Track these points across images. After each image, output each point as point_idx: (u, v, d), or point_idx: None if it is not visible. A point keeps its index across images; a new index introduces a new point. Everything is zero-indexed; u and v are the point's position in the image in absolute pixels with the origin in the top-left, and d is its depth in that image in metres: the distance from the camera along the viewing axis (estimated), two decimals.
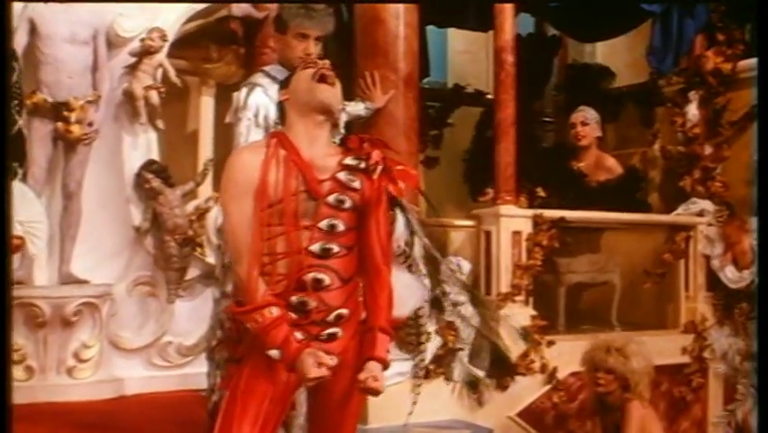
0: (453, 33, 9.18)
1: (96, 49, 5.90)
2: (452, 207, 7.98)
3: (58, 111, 5.73)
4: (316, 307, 3.20)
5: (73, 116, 5.72)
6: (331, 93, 3.26)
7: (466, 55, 9.36)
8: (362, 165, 3.28)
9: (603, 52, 9.29)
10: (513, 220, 6.40)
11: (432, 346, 5.81)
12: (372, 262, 3.28)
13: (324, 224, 3.20)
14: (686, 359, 7.17)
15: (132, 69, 6.03)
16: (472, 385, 5.83)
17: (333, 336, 3.24)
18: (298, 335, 3.16)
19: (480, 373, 5.98)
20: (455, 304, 5.86)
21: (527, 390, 6.27)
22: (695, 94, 7.59)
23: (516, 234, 6.40)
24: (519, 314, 6.23)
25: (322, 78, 3.23)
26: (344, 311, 3.24)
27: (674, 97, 7.74)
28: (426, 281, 3.68)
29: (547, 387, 6.36)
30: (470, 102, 8.70)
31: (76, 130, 5.74)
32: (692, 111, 7.58)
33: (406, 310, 3.51)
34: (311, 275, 3.19)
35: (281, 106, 3.37)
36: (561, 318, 6.75)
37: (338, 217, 3.22)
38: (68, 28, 5.79)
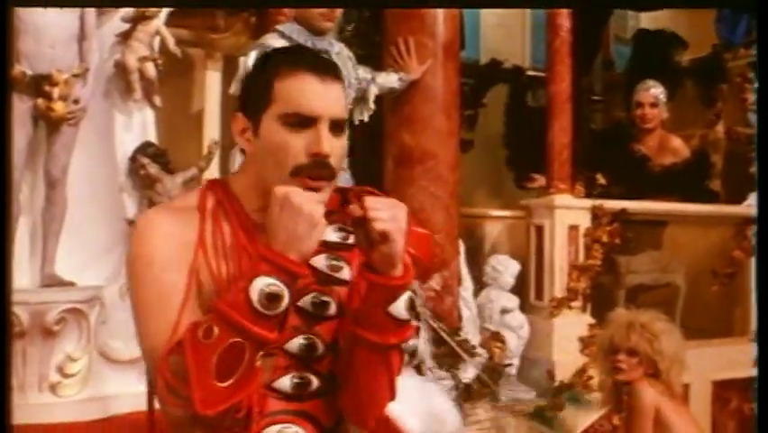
0: None
1: (82, 14, 5.49)
2: (486, 194, 7.78)
3: (38, 86, 5.27)
4: None
5: (56, 92, 5.26)
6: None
7: (500, 29, 8.87)
8: (350, 240, 2.15)
9: (647, 25, 8.89)
10: (569, 212, 6.00)
11: (475, 362, 5.36)
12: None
13: (294, 344, 2.10)
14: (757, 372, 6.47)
15: (124, 37, 5.64)
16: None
17: None
18: None
19: (531, 394, 5.72)
20: (503, 312, 5.72)
21: (584, 410, 5.76)
22: None
23: (573, 228, 5.99)
24: (576, 323, 5.84)
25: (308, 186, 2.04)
26: None
27: (743, 72, 7.28)
28: (441, 385, 2.55)
29: (607, 407, 5.56)
30: (508, 79, 8.24)
31: (59, 108, 5.28)
32: None
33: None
34: (275, 430, 2.09)
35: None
36: None
37: (317, 332, 2.12)
38: None
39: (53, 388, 5.16)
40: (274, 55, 2.12)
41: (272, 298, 1.89)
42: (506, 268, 5.73)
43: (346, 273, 2.14)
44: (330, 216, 2.06)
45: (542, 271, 5.95)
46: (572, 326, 5.85)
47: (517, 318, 5.72)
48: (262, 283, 1.89)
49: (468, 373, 5.27)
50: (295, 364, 2.09)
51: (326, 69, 2.05)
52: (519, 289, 5.87)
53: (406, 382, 2.37)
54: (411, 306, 2.04)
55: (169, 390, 1.93)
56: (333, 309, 2.11)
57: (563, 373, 5.79)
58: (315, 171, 2.01)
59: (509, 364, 5.60)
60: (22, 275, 5.36)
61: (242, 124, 2.08)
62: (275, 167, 2.04)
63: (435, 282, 5.19)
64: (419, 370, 2.54)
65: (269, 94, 2.04)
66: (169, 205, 2.28)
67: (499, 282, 5.70)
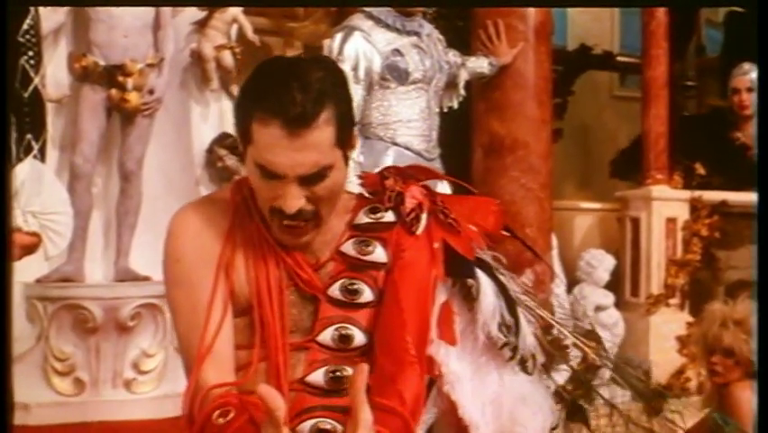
0: None
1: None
2: (575, 186, 7.65)
3: (111, 76, 5.27)
4: None
5: (130, 82, 5.27)
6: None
7: (587, 13, 8.65)
8: (387, 218, 1.99)
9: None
10: (667, 204, 5.84)
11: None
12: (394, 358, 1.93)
13: (327, 335, 1.93)
14: None
15: (200, 25, 5.69)
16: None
17: None
18: None
19: (626, 395, 5.29)
20: (597, 308, 5.59)
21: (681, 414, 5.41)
22: None
23: (671, 221, 5.82)
24: (673, 321, 5.69)
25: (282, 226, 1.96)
26: None
27: None
28: (548, 390, 2.23)
29: (705, 411, 5.42)
30: (598, 65, 8.08)
31: (133, 99, 5.29)
32: None
33: None
34: (308, 425, 1.88)
35: None
36: None
37: (352, 321, 1.95)
38: None
39: (128, 384, 5.17)
40: (251, 93, 1.91)
41: None
42: (600, 263, 5.57)
43: (380, 254, 1.95)
44: (366, 198, 2.04)
45: (638, 267, 5.81)
46: (670, 324, 5.69)
47: (612, 316, 5.56)
48: None
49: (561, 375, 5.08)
50: (331, 357, 1.91)
51: (301, 117, 1.83)
52: (613, 285, 5.71)
53: (497, 379, 2.12)
54: None
55: None
56: (367, 296, 1.94)
57: (660, 375, 5.51)
58: (287, 219, 1.90)
59: (605, 365, 5.37)
60: (96, 270, 5.40)
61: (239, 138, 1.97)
62: (259, 197, 1.95)
63: (527, 278, 4.97)
64: (525, 368, 2.22)
65: (249, 134, 1.88)
66: (205, 197, 2.19)
67: (593, 278, 5.55)
